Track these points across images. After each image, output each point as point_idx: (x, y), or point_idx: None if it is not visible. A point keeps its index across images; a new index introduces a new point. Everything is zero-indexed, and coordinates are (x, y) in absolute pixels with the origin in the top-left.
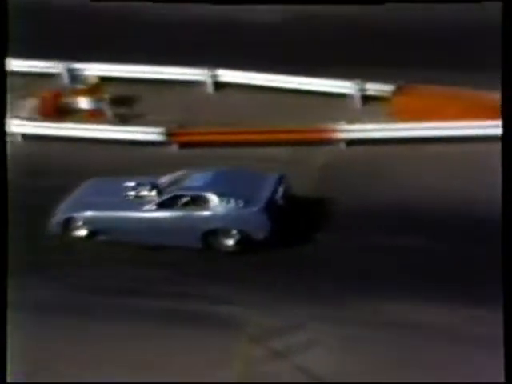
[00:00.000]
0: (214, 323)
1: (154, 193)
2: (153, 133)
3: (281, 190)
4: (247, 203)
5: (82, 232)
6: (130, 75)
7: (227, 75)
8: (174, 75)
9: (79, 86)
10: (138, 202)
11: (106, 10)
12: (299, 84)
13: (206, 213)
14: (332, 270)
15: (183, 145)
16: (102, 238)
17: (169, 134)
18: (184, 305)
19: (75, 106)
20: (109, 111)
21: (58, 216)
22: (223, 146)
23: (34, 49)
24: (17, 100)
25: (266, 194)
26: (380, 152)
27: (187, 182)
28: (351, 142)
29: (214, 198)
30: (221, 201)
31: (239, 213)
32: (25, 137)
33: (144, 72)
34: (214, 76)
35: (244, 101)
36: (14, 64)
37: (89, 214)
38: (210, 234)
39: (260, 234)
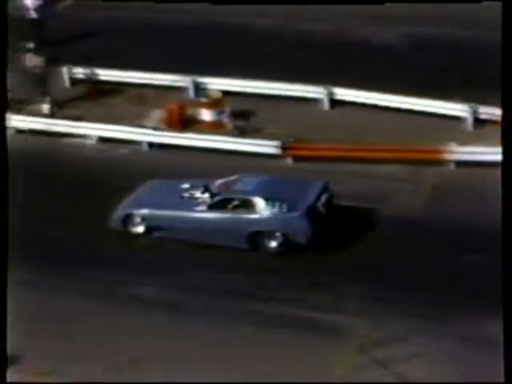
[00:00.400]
0: (321, 330)
1: (206, 195)
2: (269, 146)
3: (324, 197)
4: (290, 208)
5: (140, 228)
6: (251, 90)
7: (343, 93)
8: (292, 91)
9: (203, 99)
10: (191, 203)
11: (228, 26)
12: (414, 105)
13: (252, 215)
14: (432, 285)
15: (297, 158)
16: (157, 234)
17: (284, 147)
18: (291, 310)
19: (198, 118)
20: (229, 123)
21: (119, 212)
22: (336, 162)
23: (164, 63)
24: (147, 111)
25: (309, 200)
26: (488, 175)
27: (237, 186)
28: (461, 164)
29: (260, 202)
30: (266, 205)
31: (282, 217)
32: (151, 145)
33: (263, 88)
34: (331, 94)
35: (359, 119)
36: (146, 77)
37: (146, 211)
38: (256, 236)
39: (301, 238)
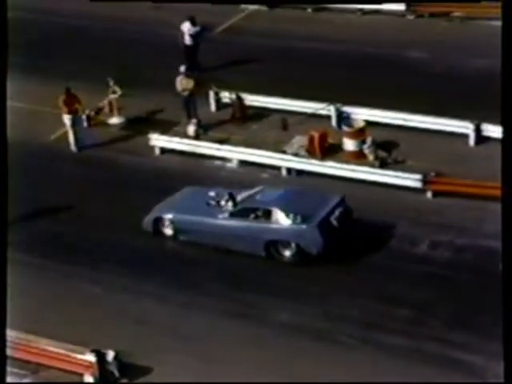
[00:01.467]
0: (456, 368)
1: (230, 203)
2: (410, 178)
3: (338, 211)
4: (304, 219)
5: (168, 231)
6: (394, 121)
7: (490, 130)
8: (438, 125)
9: (346, 129)
10: (216, 210)
11: (375, 56)
12: None
13: (268, 225)
14: None
15: (437, 193)
16: (182, 238)
17: (425, 181)
18: (426, 346)
19: (340, 147)
20: (370, 154)
21: (150, 215)
22: (477, 199)
23: (308, 91)
24: (288, 137)
25: (322, 213)
26: None
27: (258, 197)
28: None
29: (277, 212)
30: (284, 215)
31: (295, 227)
32: (289, 171)
33: (407, 120)
34: (478, 129)
35: None
36: (290, 103)
37: (173, 215)
38: (272, 245)
39: (313, 249)
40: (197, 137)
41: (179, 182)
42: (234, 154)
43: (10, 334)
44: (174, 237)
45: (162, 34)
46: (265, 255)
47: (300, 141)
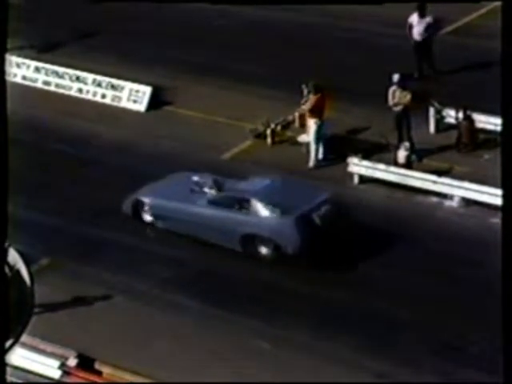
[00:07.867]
0: None
1: (213, 190)
2: None
3: (324, 208)
4: (283, 213)
5: (148, 217)
6: None
7: None
8: None
9: None
10: (197, 197)
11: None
12: None
13: (243, 216)
14: None
15: None
16: (161, 225)
17: None
18: None
19: None
20: None
21: (131, 197)
22: None
23: None
24: None
25: (304, 208)
26: None
27: (242, 185)
28: None
29: (256, 204)
30: (262, 207)
31: (269, 220)
32: None
33: None
34: None
35: None
36: None
37: (152, 199)
38: (249, 239)
39: (289, 247)
40: (408, 165)
41: (380, 221)
42: (457, 189)
43: None
44: (154, 223)
45: (373, 33)
46: (242, 251)
47: None
